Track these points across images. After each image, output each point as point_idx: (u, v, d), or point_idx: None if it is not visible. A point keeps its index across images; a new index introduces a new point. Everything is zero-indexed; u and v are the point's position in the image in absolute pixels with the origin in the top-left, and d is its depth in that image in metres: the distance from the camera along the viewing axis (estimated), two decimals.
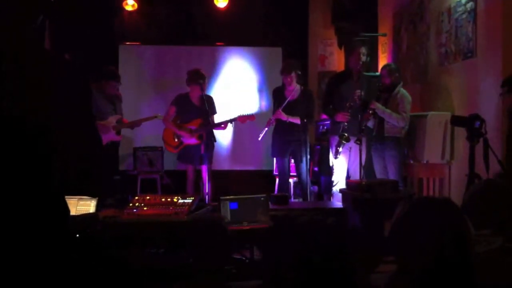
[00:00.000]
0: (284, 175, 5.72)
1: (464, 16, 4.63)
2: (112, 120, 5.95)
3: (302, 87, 5.63)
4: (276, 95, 5.69)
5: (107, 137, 5.89)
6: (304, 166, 5.46)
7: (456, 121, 4.27)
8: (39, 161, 1.32)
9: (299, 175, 5.60)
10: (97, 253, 2.37)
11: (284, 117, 5.48)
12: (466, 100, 4.69)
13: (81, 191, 1.54)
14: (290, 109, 5.50)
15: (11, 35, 1.39)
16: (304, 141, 5.44)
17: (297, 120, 5.45)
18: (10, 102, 1.31)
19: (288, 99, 5.50)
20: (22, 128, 1.32)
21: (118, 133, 6.06)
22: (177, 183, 6.65)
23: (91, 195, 1.91)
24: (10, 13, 1.40)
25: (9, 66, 1.34)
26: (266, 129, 5.60)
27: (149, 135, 7.49)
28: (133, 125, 6.29)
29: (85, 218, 3.32)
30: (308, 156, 5.52)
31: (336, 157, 5.19)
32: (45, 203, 1.33)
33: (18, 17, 1.41)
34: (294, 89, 5.52)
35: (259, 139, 5.69)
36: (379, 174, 5.11)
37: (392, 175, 4.96)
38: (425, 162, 4.95)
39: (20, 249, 1.31)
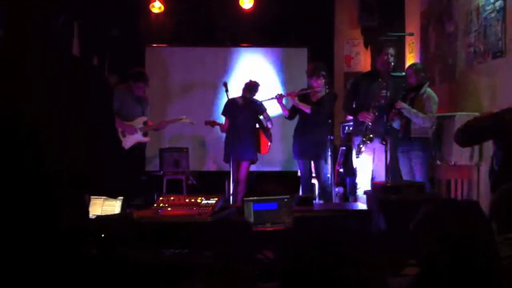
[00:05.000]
0: (307, 177, 5.72)
1: (493, 15, 4.52)
2: (139, 121, 6.03)
3: (328, 90, 5.65)
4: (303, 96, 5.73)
5: (134, 138, 5.96)
6: (325, 168, 5.43)
7: None
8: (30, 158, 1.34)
9: (318, 177, 5.59)
10: (119, 252, 2.39)
11: (295, 100, 5.57)
12: (495, 100, 4.59)
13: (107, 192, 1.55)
14: (314, 109, 5.54)
15: (23, 35, 1.41)
16: (325, 142, 5.42)
17: (307, 109, 5.49)
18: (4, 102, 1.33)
19: (311, 95, 5.62)
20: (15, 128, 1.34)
21: (145, 134, 6.14)
22: (203, 184, 6.69)
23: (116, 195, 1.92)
24: (24, 12, 1.42)
25: (15, 67, 1.36)
26: (272, 99, 5.77)
27: (175, 135, 7.56)
28: (158, 127, 6.35)
29: (119, 218, 3.36)
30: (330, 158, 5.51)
31: (357, 156, 5.13)
32: (35, 201, 1.34)
33: (33, 15, 1.43)
34: (320, 90, 5.53)
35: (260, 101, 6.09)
36: (405, 176, 5.04)
37: (418, 177, 4.88)
38: (453, 163, 4.85)
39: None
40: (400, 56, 6.34)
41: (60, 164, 1.38)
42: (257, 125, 6.28)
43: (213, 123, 6.33)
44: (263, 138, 6.25)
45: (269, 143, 6.31)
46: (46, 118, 1.35)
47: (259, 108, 6.21)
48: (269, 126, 6.31)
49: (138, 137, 6.01)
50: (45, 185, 1.36)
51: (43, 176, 1.36)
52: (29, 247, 1.33)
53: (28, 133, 1.34)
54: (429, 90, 5.00)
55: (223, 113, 6.25)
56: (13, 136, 1.33)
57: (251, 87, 6.21)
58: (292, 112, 5.74)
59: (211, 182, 6.89)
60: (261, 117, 6.28)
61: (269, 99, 5.82)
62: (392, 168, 5.03)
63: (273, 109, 7.00)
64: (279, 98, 5.65)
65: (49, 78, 1.38)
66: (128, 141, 5.92)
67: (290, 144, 6.22)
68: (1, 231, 1.32)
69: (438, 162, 5.05)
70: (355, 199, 5.58)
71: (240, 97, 6.10)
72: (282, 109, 5.76)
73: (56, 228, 1.37)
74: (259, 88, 6.27)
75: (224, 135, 6.30)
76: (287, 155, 7.51)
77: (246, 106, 6.11)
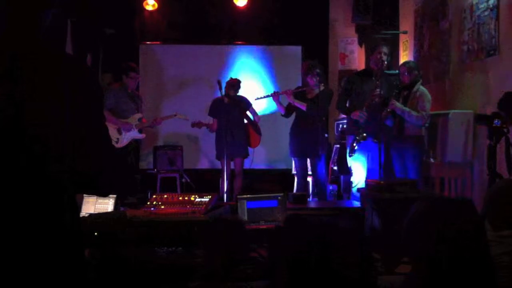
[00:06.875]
0: (303, 174, 5.71)
1: (486, 13, 4.54)
2: (135, 118, 6.06)
3: (323, 87, 5.63)
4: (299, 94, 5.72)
5: (130, 135, 6.00)
6: (320, 165, 5.44)
7: (480, 119, 4.21)
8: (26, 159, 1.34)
9: (314, 174, 5.60)
10: (113, 251, 2.38)
11: (291, 98, 5.55)
12: (489, 98, 4.60)
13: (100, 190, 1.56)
14: (310, 106, 5.54)
15: (11, 34, 1.40)
16: (322, 140, 5.42)
17: (303, 106, 5.51)
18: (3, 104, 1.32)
19: (306, 93, 5.63)
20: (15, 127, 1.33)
21: (140, 131, 6.15)
22: (197, 182, 6.69)
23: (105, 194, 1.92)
24: (21, 11, 1.41)
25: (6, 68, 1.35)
26: (268, 97, 5.77)
27: (169, 133, 7.55)
28: (153, 123, 6.36)
29: (112, 216, 3.34)
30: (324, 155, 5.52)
31: (351, 155, 5.14)
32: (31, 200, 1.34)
33: (18, 14, 1.42)
34: (315, 88, 5.53)
35: (255, 99, 6.04)
36: (398, 174, 5.05)
37: (412, 175, 4.89)
38: (446, 161, 4.86)
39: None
40: (394, 54, 6.35)
41: (63, 165, 1.38)
42: (245, 120, 6.31)
43: (199, 125, 6.34)
44: (252, 132, 6.31)
45: (259, 137, 6.37)
46: (46, 117, 1.35)
47: (245, 103, 6.29)
48: (256, 120, 6.37)
49: (134, 134, 6.07)
50: (49, 185, 1.36)
51: (46, 176, 1.35)
52: (31, 247, 1.33)
53: (30, 133, 1.34)
54: (422, 88, 5.01)
55: (210, 114, 6.30)
56: (16, 136, 1.33)
57: (232, 84, 6.25)
58: (288, 110, 5.74)
59: (205, 180, 6.88)
60: (248, 112, 6.32)
61: (264, 97, 5.83)
62: (385, 166, 5.04)
63: (266, 108, 7.03)
64: (275, 95, 5.65)
65: (47, 77, 1.37)
66: (125, 138, 5.96)
67: (281, 142, 6.23)
68: (4, 231, 1.32)
69: (432, 160, 5.06)
70: (349, 197, 5.59)
71: (224, 95, 6.09)
72: (278, 107, 5.77)
73: (59, 229, 1.37)
74: (241, 84, 6.30)
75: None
76: (278, 153, 7.52)
77: (232, 104, 6.12)
